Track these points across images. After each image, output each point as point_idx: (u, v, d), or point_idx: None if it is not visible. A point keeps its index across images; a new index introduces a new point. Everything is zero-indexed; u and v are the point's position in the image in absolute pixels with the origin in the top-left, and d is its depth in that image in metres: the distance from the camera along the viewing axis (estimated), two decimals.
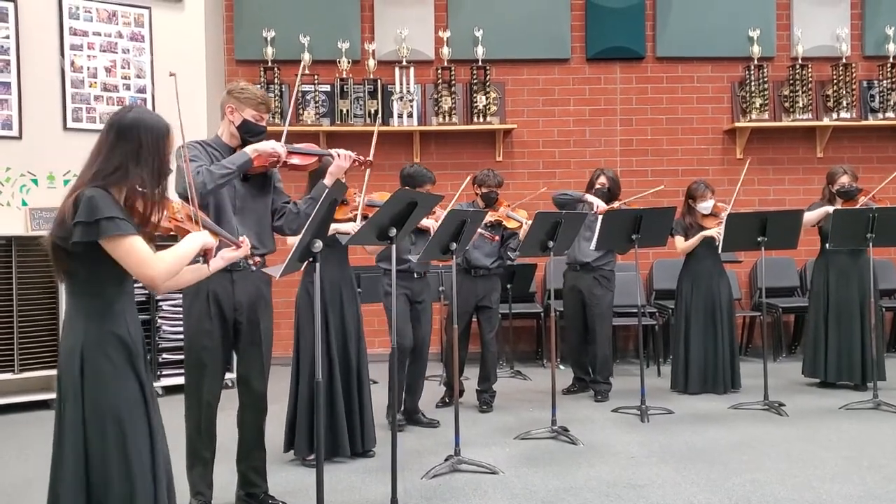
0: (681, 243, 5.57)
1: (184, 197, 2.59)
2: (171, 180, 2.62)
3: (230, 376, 3.90)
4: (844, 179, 5.58)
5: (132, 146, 2.27)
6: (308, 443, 4.02)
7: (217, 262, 2.61)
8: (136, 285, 2.47)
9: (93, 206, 2.17)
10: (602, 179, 5.53)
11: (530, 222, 4.93)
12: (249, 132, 3.31)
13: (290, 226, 3.44)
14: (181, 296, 3.43)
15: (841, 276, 5.57)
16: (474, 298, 5.15)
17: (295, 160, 3.40)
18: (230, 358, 3.43)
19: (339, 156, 3.43)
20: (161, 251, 2.31)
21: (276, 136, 3.44)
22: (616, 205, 5.46)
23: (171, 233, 2.48)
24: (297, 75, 4.57)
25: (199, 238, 2.42)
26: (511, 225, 5.11)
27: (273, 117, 6.81)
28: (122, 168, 2.26)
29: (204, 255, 2.48)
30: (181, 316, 5.69)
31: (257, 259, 2.92)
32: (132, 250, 2.21)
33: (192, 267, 2.58)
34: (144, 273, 2.23)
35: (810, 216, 5.53)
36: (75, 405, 2.25)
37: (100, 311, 2.28)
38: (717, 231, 5.39)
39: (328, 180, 3.42)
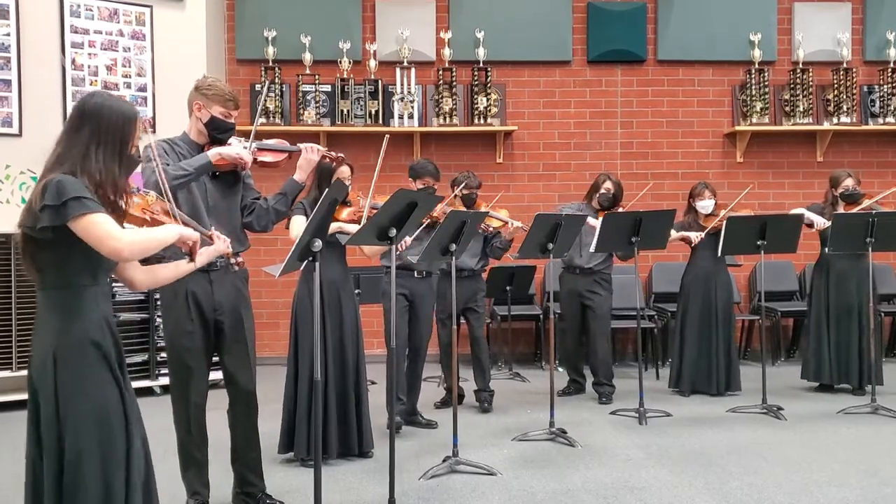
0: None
1: (158, 192, 2.57)
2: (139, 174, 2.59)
3: (218, 376, 3.89)
4: (848, 182, 5.58)
5: (94, 129, 2.23)
6: (307, 442, 4.01)
7: (200, 259, 2.58)
8: (116, 285, 2.44)
9: (60, 188, 2.12)
10: (608, 185, 5.51)
11: (516, 223, 4.94)
12: (217, 129, 3.27)
13: (259, 222, 3.42)
14: None
15: (840, 279, 5.57)
16: (461, 300, 5.13)
17: (266, 157, 3.38)
18: (211, 358, 3.40)
19: (307, 150, 3.39)
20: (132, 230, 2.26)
21: (245, 136, 3.41)
22: (619, 211, 5.45)
23: (147, 224, 2.42)
24: (261, 77, 4.56)
25: (176, 228, 2.38)
26: (495, 224, 5.09)
27: (273, 117, 6.81)
28: (84, 152, 2.21)
29: (189, 253, 2.45)
30: None
31: (240, 260, 2.88)
32: (96, 224, 2.13)
33: (171, 264, 2.55)
34: (110, 245, 2.14)
35: (809, 216, 5.55)
36: (50, 408, 2.20)
37: (72, 308, 2.21)
38: (694, 235, 5.48)
39: (298, 175, 3.41)
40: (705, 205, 5.61)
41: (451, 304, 5.02)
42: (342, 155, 3.61)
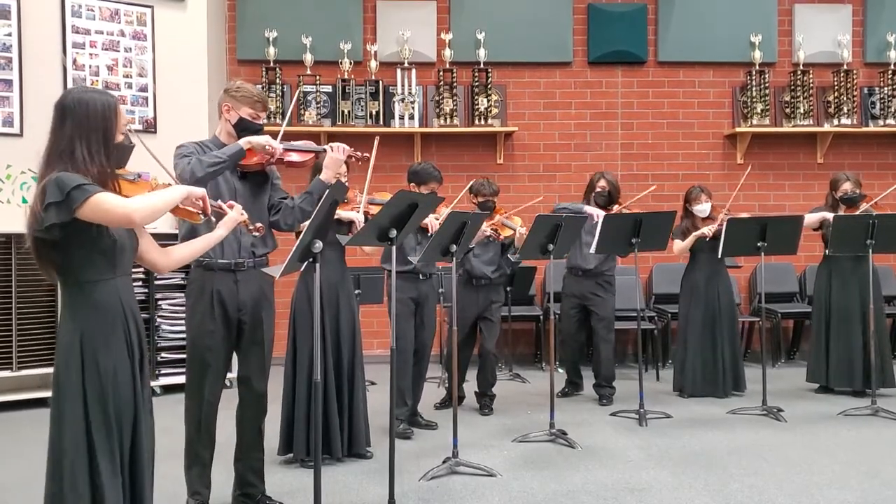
0: (678, 245, 5.60)
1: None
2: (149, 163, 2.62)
3: (230, 376, 3.90)
4: (847, 186, 5.59)
5: (76, 123, 2.26)
6: (306, 443, 4.01)
7: (220, 231, 2.66)
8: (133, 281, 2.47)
9: (60, 184, 2.16)
10: (602, 183, 5.53)
11: (523, 229, 4.95)
12: (246, 130, 3.30)
13: (286, 220, 3.43)
14: (183, 295, 3.43)
15: (843, 282, 5.57)
16: (476, 307, 5.14)
17: (293, 157, 3.40)
18: (231, 358, 3.42)
19: (333, 149, 3.42)
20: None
21: (273, 136, 3.44)
22: (615, 209, 5.47)
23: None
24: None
25: (182, 187, 2.41)
26: (505, 233, 5.09)
27: (273, 117, 6.81)
28: (70, 147, 2.25)
29: (204, 213, 2.48)
30: (180, 315, 5.75)
31: (259, 225, 2.89)
32: (100, 201, 2.17)
33: (189, 242, 2.64)
34: (118, 213, 2.18)
35: (809, 218, 5.56)
36: (75, 400, 2.25)
37: (93, 303, 2.27)
38: (707, 228, 5.47)
39: (324, 174, 3.42)
40: (702, 209, 5.60)
41: (467, 309, 5.06)
42: (368, 154, 3.59)
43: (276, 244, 3.46)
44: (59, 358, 2.29)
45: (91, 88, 2.41)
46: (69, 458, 2.25)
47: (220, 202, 2.76)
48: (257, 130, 3.33)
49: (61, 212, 2.16)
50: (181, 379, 3.41)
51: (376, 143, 3.78)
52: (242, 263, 3.26)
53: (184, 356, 4.56)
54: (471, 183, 5.26)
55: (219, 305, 3.24)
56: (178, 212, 2.48)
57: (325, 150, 3.44)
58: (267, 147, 3.26)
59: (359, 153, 3.54)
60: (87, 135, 2.26)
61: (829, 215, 5.49)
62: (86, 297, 2.27)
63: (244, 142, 3.24)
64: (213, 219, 2.58)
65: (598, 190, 5.52)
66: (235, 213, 2.71)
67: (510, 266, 5.34)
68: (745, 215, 5.62)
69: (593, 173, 5.71)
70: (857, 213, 5.46)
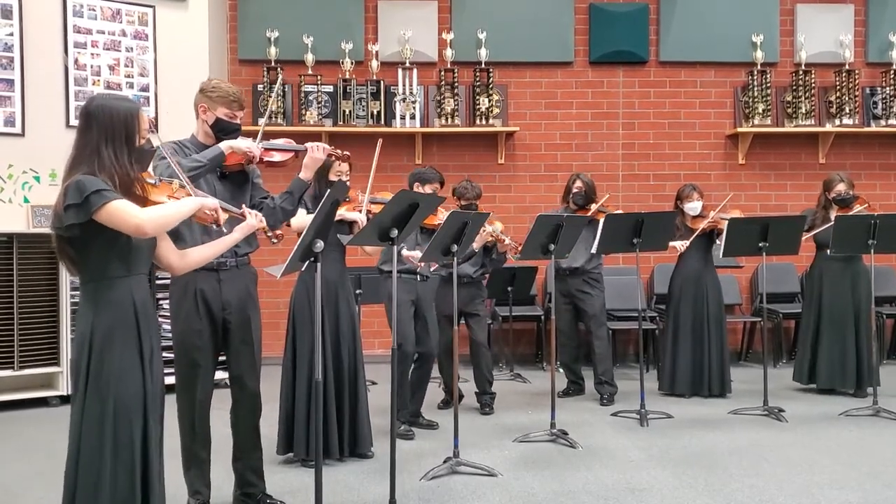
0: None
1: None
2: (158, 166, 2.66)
3: (223, 376, 3.89)
4: (841, 187, 5.60)
5: (100, 128, 2.36)
6: (305, 443, 4.01)
7: (234, 235, 2.76)
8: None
9: (81, 186, 2.26)
10: (578, 184, 5.58)
11: (506, 238, 4.96)
12: (223, 130, 3.28)
13: (267, 221, 3.41)
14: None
15: (834, 282, 5.59)
16: (458, 305, 5.11)
17: (274, 157, 3.38)
18: (218, 357, 3.41)
19: (313, 149, 3.38)
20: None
21: (252, 136, 3.40)
22: (593, 207, 5.47)
23: None
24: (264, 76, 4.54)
25: (196, 199, 2.51)
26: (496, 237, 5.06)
27: (275, 117, 6.81)
28: (95, 151, 2.35)
29: (216, 223, 2.57)
30: None
31: (278, 232, 2.95)
32: (116, 209, 2.27)
33: (203, 245, 2.74)
34: (131, 223, 2.28)
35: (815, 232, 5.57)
36: (84, 395, 2.32)
37: (104, 299, 2.35)
38: (680, 244, 5.52)
39: (304, 174, 3.39)
40: (693, 206, 5.61)
41: (449, 306, 5.04)
42: (348, 153, 3.60)
43: (258, 244, 3.45)
44: (73, 352, 2.39)
45: (115, 95, 2.53)
46: (82, 449, 2.32)
47: (240, 209, 2.80)
48: (234, 130, 3.30)
49: (79, 213, 2.26)
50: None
51: (379, 145, 3.77)
52: (225, 263, 3.24)
53: None
54: (453, 186, 5.26)
55: (203, 304, 3.23)
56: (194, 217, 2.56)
57: (305, 150, 3.41)
58: (248, 152, 3.24)
59: (339, 151, 3.53)
60: (112, 139, 2.37)
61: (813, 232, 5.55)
62: (99, 294, 2.35)
63: (225, 146, 3.21)
64: (222, 227, 2.64)
65: (574, 191, 5.58)
66: (254, 220, 2.80)
67: (498, 264, 5.30)
68: (737, 214, 5.61)
69: (569, 175, 5.75)
70: (850, 213, 5.46)
